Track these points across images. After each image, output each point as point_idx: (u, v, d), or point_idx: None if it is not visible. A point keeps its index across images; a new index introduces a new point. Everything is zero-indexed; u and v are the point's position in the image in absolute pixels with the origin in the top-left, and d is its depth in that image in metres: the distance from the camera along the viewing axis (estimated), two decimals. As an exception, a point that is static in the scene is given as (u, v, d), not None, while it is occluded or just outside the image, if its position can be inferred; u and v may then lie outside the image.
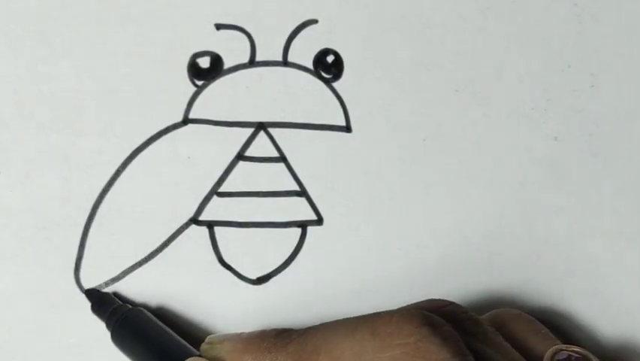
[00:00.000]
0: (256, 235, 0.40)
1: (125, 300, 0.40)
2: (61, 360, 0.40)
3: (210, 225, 0.40)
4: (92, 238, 0.40)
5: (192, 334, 0.40)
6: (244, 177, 0.40)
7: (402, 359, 0.32)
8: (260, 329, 0.38)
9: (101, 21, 0.40)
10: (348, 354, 0.33)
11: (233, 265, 0.40)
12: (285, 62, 0.40)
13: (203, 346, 0.38)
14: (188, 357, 0.37)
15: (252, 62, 0.40)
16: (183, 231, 0.40)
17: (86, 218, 0.40)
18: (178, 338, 0.38)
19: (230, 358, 0.37)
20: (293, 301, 0.40)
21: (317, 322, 0.40)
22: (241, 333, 0.38)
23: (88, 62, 0.40)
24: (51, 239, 0.40)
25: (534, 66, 0.40)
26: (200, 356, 0.37)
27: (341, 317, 0.40)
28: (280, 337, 0.36)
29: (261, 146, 0.40)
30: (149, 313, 0.39)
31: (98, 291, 0.40)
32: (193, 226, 0.40)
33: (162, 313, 0.40)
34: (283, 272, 0.40)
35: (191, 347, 0.38)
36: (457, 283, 0.40)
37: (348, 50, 0.40)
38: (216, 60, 0.40)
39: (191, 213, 0.40)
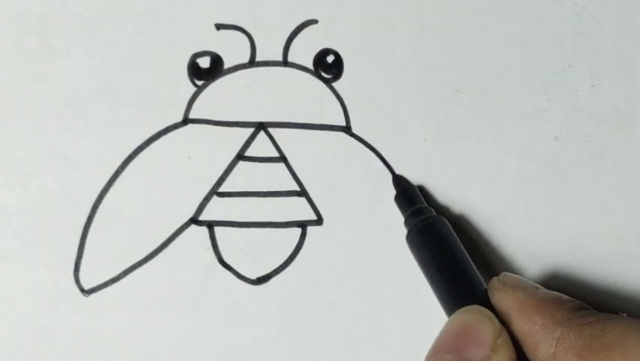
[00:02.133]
0: (256, 235, 0.40)
1: (429, 201, 0.40)
2: (61, 360, 0.40)
3: (210, 225, 0.40)
4: (91, 238, 0.40)
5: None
6: (244, 177, 0.40)
7: None
8: (555, 292, 0.36)
9: (101, 21, 0.40)
10: None
11: (233, 265, 0.40)
12: (285, 62, 0.40)
13: (495, 283, 0.36)
14: (474, 287, 0.36)
15: (252, 62, 0.40)
16: (183, 231, 0.40)
17: (86, 218, 0.40)
18: (471, 262, 0.37)
19: (517, 308, 0.35)
20: (293, 301, 0.40)
21: (317, 322, 0.40)
22: (537, 287, 0.36)
23: (88, 62, 0.40)
24: (51, 239, 0.40)
25: (534, 66, 0.40)
26: (485, 296, 0.36)
27: (341, 317, 0.40)
28: (576, 314, 0.34)
29: (261, 146, 0.40)
30: (450, 226, 0.38)
31: (406, 181, 0.40)
32: (193, 226, 0.40)
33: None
34: (283, 272, 0.40)
35: (481, 278, 0.37)
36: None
37: (348, 50, 0.40)
38: (216, 60, 0.40)
39: (191, 213, 0.40)
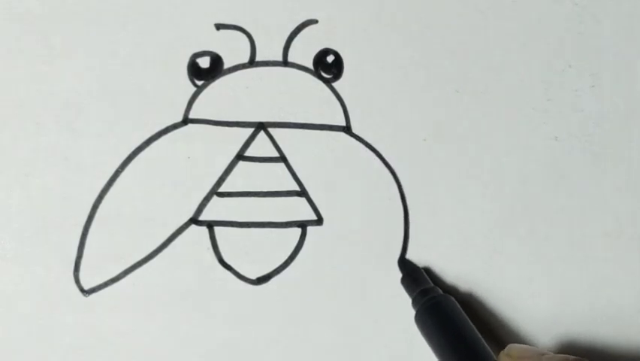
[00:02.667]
0: (256, 235, 0.40)
1: (436, 280, 0.40)
2: (61, 360, 0.40)
3: (210, 225, 0.40)
4: (91, 238, 0.40)
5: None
6: (244, 177, 0.40)
7: None
8: (560, 353, 0.37)
9: (101, 21, 0.40)
10: None
11: (233, 265, 0.40)
12: (285, 62, 0.40)
13: (502, 357, 0.37)
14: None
15: (252, 62, 0.40)
16: (183, 231, 0.40)
17: (86, 218, 0.40)
18: (479, 336, 0.38)
19: None
20: (293, 301, 0.40)
21: (317, 322, 0.40)
22: (542, 353, 0.37)
23: (88, 62, 0.40)
24: (51, 239, 0.40)
25: (534, 66, 0.40)
26: None
27: (341, 317, 0.40)
28: None
29: (261, 146, 0.40)
30: (457, 303, 0.38)
31: (412, 263, 0.40)
32: (193, 226, 0.40)
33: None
34: (283, 272, 0.40)
35: (490, 351, 0.37)
36: (457, 284, 0.40)
37: (348, 50, 0.40)
38: (216, 60, 0.40)
39: (191, 213, 0.40)
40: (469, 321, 0.38)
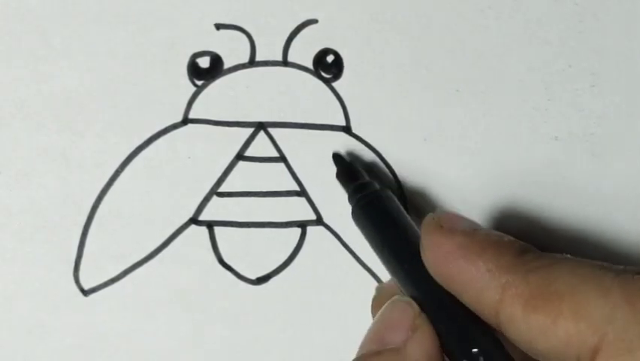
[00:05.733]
0: (256, 235, 0.40)
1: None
2: (61, 360, 0.40)
3: (210, 225, 0.40)
4: (91, 238, 0.40)
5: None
6: (244, 177, 0.40)
7: None
8: (495, 232, 0.35)
9: (101, 21, 0.40)
10: (597, 316, 0.30)
11: (233, 265, 0.40)
12: (285, 62, 0.40)
13: (431, 225, 0.34)
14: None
15: (252, 62, 0.40)
16: (183, 231, 0.40)
17: (86, 218, 0.40)
18: (418, 230, 0.36)
19: (458, 253, 0.33)
20: (293, 301, 0.40)
21: (317, 322, 0.40)
22: (475, 228, 0.34)
23: (88, 62, 0.40)
24: (51, 239, 0.40)
25: (535, 66, 0.40)
26: None
27: (341, 317, 0.40)
28: (521, 259, 0.33)
29: (261, 146, 0.40)
30: (395, 198, 0.38)
31: (344, 159, 0.39)
32: (193, 226, 0.40)
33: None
34: (283, 272, 0.40)
35: None
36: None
37: (348, 50, 0.40)
38: (216, 60, 0.40)
39: (190, 213, 0.40)
40: (408, 216, 0.37)
